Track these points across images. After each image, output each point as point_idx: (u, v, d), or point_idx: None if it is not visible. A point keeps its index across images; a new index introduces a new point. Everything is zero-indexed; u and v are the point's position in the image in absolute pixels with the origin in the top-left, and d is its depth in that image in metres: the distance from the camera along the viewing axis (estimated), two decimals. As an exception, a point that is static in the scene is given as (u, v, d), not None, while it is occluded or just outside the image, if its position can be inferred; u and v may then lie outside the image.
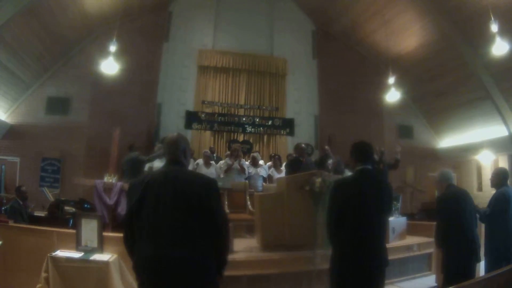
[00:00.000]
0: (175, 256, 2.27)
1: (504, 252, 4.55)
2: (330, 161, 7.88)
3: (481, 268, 4.84)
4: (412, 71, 11.92)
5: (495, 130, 10.45)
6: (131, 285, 4.20)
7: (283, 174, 8.34)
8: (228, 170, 8.50)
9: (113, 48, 8.91)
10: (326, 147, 8.62)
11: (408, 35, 11.18)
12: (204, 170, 8.34)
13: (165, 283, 2.26)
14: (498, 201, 4.75)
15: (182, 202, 2.37)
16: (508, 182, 4.96)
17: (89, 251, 4.49)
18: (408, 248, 6.21)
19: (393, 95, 10.74)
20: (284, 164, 8.99)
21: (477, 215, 4.88)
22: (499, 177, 4.96)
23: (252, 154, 9.59)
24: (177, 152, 2.59)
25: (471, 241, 4.02)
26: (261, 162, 9.40)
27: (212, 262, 2.42)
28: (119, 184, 6.17)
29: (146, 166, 8.08)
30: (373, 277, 2.97)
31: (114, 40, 8.95)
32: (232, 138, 12.07)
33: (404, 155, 10.93)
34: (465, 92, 10.78)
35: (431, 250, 6.29)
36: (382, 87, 11.24)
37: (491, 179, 5.11)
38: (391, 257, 3.16)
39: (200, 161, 8.82)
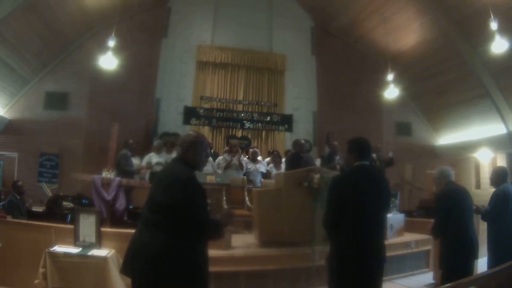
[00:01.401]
0: (139, 253, 2.45)
1: (507, 250, 4.55)
2: (337, 157, 7.98)
3: (483, 266, 4.84)
4: (411, 68, 11.91)
5: (493, 128, 10.44)
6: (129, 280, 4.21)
7: (282, 171, 8.31)
8: (227, 166, 8.49)
9: (112, 43, 8.89)
10: (336, 142, 8.68)
11: (407, 33, 11.15)
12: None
13: (135, 275, 2.50)
14: (498, 199, 4.74)
15: (153, 200, 2.55)
16: (508, 180, 4.97)
17: (87, 246, 4.50)
18: (406, 245, 6.24)
19: (392, 92, 10.74)
20: (284, 160, 8.96)
21: (480, 215, 4.90)
22: (499, 176, 4.95)
23: (252, 149, 9.54)
24: (180, 150, 2.74)
25: (469, 239, 4.03)
26: (259, 158, 9.37)
27: (181, 259, 2.42)
28: (117, 179, 6.17)
29: (144, 161, 8.09)
30: (372, 273, 2.97)
31: (113, 36, 8.94)
32: (230, 134, 12.01)
33: (402, 152, 11.01)
34: (464, 90, 10.78)
35: (429, 247, 6.32)
36: (380, 84, 11.23)
37: (490, 178, 5.10)
38: (388, 254, 3.18)
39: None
